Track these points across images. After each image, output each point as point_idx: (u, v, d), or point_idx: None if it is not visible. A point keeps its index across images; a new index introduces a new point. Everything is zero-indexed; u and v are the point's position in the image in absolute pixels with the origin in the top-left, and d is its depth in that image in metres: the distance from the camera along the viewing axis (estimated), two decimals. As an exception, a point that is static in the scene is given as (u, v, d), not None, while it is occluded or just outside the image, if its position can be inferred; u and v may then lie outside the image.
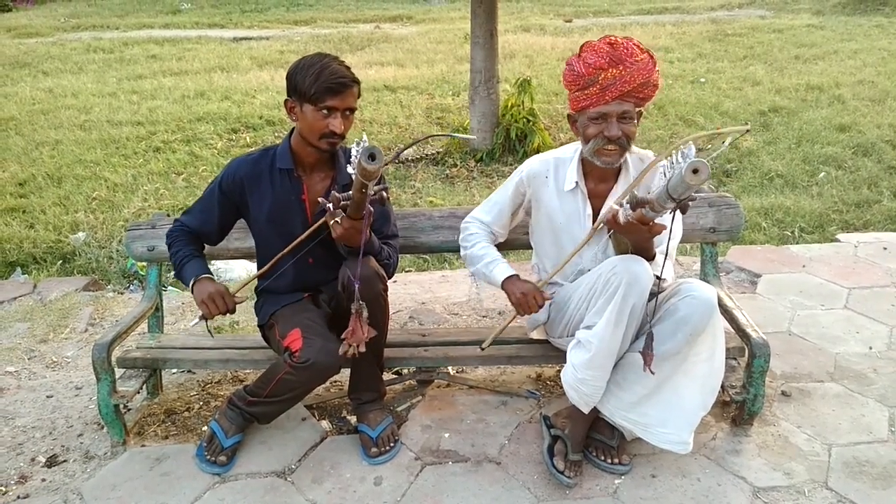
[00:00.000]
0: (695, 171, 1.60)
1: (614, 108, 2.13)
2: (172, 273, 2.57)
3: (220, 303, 2.19)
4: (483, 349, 2.37)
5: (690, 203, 1.81)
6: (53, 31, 13.46)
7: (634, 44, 2.16)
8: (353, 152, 1.82)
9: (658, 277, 2.08)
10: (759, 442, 2.43)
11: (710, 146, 1.95)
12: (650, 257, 2.13)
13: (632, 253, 2.15)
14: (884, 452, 2.37)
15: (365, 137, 1.84)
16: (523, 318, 2.36)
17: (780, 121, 6.71)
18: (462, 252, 2.52)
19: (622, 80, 2.10)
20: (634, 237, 2.06)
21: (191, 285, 2.26)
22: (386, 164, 2.23)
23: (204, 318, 2.22)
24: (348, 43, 11.38)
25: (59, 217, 5.01)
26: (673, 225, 1.90)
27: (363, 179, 1.84)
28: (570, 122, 2.30)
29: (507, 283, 2.30)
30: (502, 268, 2.35)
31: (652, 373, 2.04)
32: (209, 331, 2.33)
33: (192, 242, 2.39)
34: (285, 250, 2.23)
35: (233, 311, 2.24)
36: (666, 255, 2.09)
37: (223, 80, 8.79)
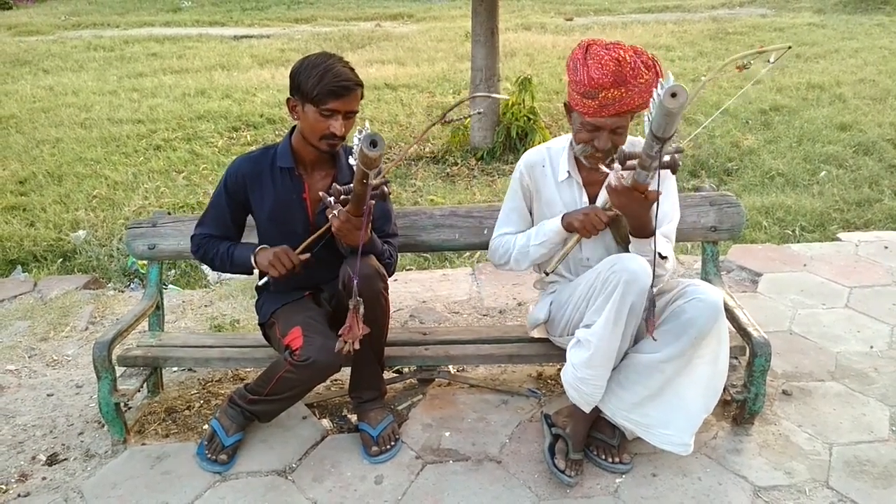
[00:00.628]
0: (673, 95, 1.56)
1: (609, 122, 2.11)
2: (215, 272, 2.61)
3: (285, 261, 2.23)
4: (548, 273, 2.32)
5: (678, 157, 1.78)
6: (54, 28, 13.45)
7: (643, 61, 2.08)
8: (355, 141, 1.82)
9: (660, 256, 2.07)
10: (760, 441, 2.43)
11: (751, 64, 1.95)
12: (649, 233, 2.10)
13: (630, 232, 2.13)
14: (885, 452, 2.37)
15: (367, 125, 1.84)
16: (587, 240, 2.26)
17: (781, 119, 6.70)
18: (508, 265, 2.43)
19: (622, 101, 2.07)
20: (631, 209, 2.02)
21: (252, 260, 2.31)
22: (433, 126, 2.25)
23: (272, 278, 2.27)
24: (349, 41, 11.37)
25: (60, 215, 5.00)
26: (661, 187, 1.86)
27: (364, 168, 1.84)
28: (566, 111, 2.27)
29: (565, 219, 2.25)
30: (551, 220, 2.31)
31: (654, 339, 2.02)
32: (269, 286, 2.40)
33: (223, 240, 2.42)
34: (310, 239, 2.27)
35: (298, 268, 2.26)
36: (654, 231, 2.06)
37: (224, 78, 8.78)
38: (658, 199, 1.91)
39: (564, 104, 2.29)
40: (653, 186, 1.90)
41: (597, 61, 2.09)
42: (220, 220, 2.41)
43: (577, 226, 2.20)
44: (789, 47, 2.28)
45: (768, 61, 2.09)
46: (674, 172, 1.83)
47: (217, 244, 2.41)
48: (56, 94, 8.24)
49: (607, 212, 2.17)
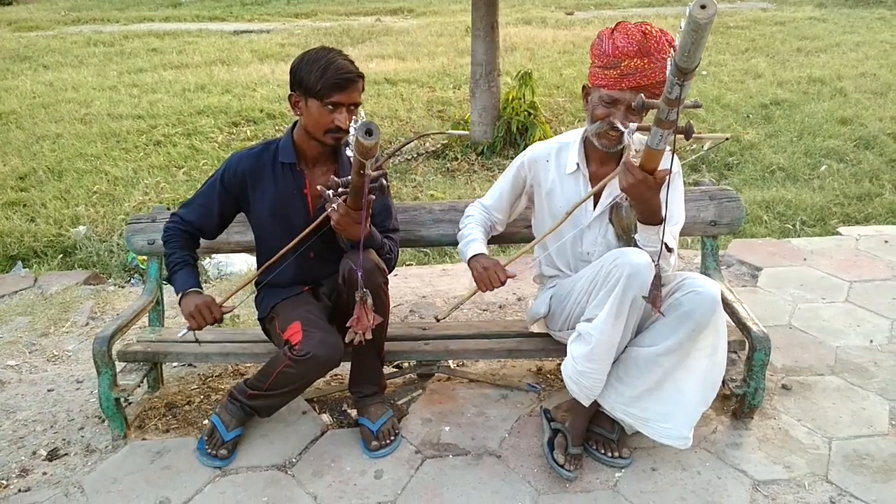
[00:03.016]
0: (703, 7, 1.50)
1: (627, 96, 2.10)
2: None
3: (206, 314, 2.21)
4: (439, 321, 2.33)
5: (693, 127, 1.77)
6: (54, 24, 13.44)
7: (668, 39, 2.11)
8: (351, 131, 1.82)
9: (666, 247, 2.06)
10: (760, 435, 2.43)
11: (690, 147, 1.97)
12: (658, 220, 2.08)
13: (639, 219, 2.12)
14: (884, 446, 2.37)
15: (362, 113, 1.84)
16: (486, 294, 2.35)
17: (782, 113, 6.69)
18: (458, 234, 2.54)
19: (643, 72, 2.08)
20: (639, 192, 1.98)
21: (179, 298, 2.28)
22: (386, 160, 2.23)
23: (191, 329, 2.24)
24: (349, 36, 11.35)
25: (60, 211, 5.01)
26: (669, 189, 1.84)
27: (361, 158, 1.84)
28: (584, 94, 2.27)
29: (472, 261, 2.31)
30: (474, 246, 2.37)
31: (662, 315, 2.03)
32: (196, 340, 2.35)
33: (186, 245, 2.38)
34: (287, 246, 2.22)
35: (220, 321, 2.25)
36: (663, 218, 2.05)
37: (224, 73, 8.77)
38: (668, 179, 1.90)
39: (583, 87, 2.28)
40: (664, 165, 1.89)
41: (623, 33, 2.12)
42: (206, 208, 2.38)
43: (474, 275, 2.26)
44: (727, 138, 2.31)
45: (702, 148, 2.12)
46: (687, 138, 1.81)
47: (178, 248, 2.36)
48: (56, 89, 8.23)
49: (619, 200, 2.16)
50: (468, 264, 2.33)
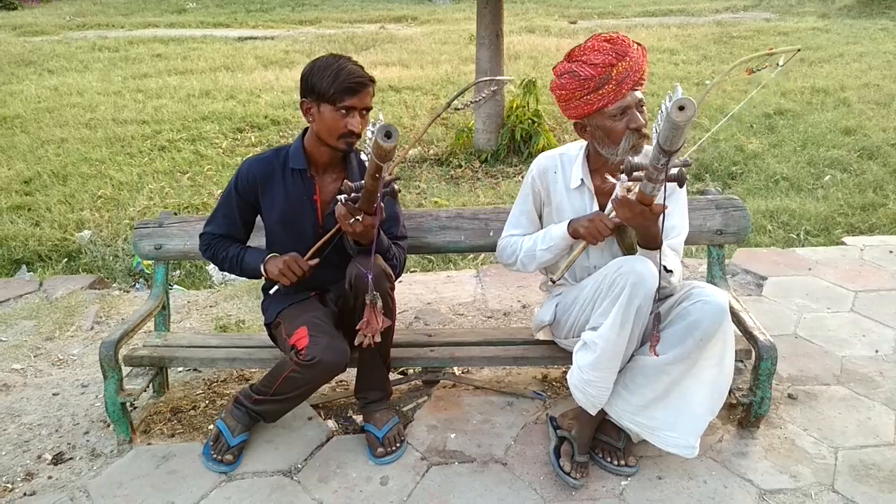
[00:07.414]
0: (681, 108, 1.56)
1: (630, 99, 2.14)
2: (227, 274, 2.59)
3: (295, 268, 2.24)
4: (554, 281, 2.33)
5: (685, 170, 1.79)
6: (59, 29, 13.49)
7: (623, 36, 2.19)
8: (368, 134, 1.83)
9: (665, 269, 2.07)
10: (766, 444, 2.42)
11: (765, 66, 1.99)
12: (657, 245, 2.10)
13: (639, 243, 2.14)
14: (890, 456, 2.36)
15: (381, 116, 1.85)
16: (593, 246, 2.26)
17: (786, 123, 6.71)
18: (515, 266, 2.43)
19: (632, 70, 2.12)
20: (637, 222, 2.03)
21: (262, 268, 2.31)
22: (440, 115, 2.25)
23: (283, 286, 2.28)
24: (353, 43, 11.40)
25: (65, 215, 5.02)
26: (670, 199, 1.87)
27: (378, 161, 1.84)
28: (580, 130, 2.28)
29: (571, 225, 2.25)
30: (558, 226, 2.31)
31: (657, 355, 2.02)
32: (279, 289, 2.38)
33: (233, 242, 2.43)
34: (319, 242, 2.26)
35: (309, 274, 2.27)
36: (661, 243, 2.05)
37: (228, 79, 8.80)
38: (664, 213, 1.93)
39: (575, 125, 2.29)
40: (659, 199, 1.91)
41: (590, 52, 2.16)
42: (229, 219, 2.42)
43: (583, 232, 2.20)
44: (798, 49, 2.29)
45: (777, 65, 2.10)
46: (680, 186, 1.84)
47: (227, 246, 2.41)
48: (61, 94, 8.27)
49: (613, 219, 2.16)
50: (569, 232, 2.25)
